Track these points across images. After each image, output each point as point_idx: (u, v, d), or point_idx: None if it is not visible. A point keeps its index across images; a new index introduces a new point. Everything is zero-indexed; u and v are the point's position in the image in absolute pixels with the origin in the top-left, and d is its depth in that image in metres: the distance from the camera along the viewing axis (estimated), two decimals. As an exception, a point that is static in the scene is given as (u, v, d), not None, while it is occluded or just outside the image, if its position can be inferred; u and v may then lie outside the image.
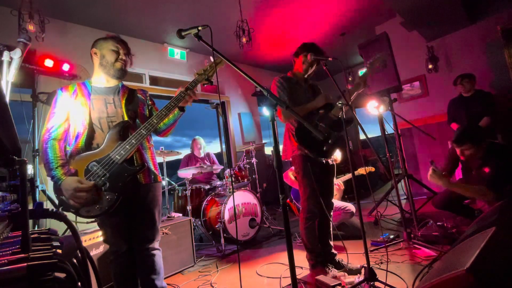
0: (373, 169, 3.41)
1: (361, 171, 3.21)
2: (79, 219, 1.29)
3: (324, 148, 1.77)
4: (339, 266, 1.90)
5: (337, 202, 2.74)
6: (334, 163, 2.09)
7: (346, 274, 1.81)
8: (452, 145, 2.14)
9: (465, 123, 3.28)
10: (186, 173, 3.35)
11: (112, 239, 1.41)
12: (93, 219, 1.30)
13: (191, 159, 3.92)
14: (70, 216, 1.25)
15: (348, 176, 3.20)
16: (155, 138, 1.67)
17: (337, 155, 2.80)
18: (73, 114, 1.37)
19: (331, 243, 2.00)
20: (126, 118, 1.41)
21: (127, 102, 1.47)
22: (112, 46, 1.46)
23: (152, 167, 1.48)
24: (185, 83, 1.49)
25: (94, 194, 1.23)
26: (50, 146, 1.30)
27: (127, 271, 1.43)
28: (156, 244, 1.48)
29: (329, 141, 1.76)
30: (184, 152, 3.97)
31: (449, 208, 2.37)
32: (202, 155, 4.00)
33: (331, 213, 2.02)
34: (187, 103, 1.48)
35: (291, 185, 2.98)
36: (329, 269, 1.84)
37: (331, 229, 2.04)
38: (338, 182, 3.16)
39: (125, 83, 1.59)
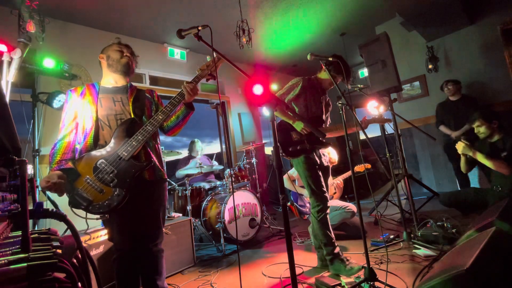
0: (369, 165, 3.41)
1: (358, 168, 3.21)
2: (89, 216, 1.32)
3: (290, 149, 1.89)
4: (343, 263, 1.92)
5: (338, 202, 2.74)
6: (330, 165, 2.15)
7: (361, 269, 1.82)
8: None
9: (452, 125, 3.42)
10: (184, 173, 3.36)
11: (117, 237, 1.41)
12: (103, 216, 1.31)
13: (190, 160, 3.95)
14: (81, 213, 1.28)
15: (348, 173, 3.19)
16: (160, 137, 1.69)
17: (334, 156, 2.80)
18: (81, 112, 1.40)
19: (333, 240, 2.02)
20: (132, 116, 1.44)
21: (135, 100, 1.50)
22: (116, 47, 1.53)
23: (157, 164, 1.49)
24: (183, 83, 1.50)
25: (89, 195, 1.27)
26: (59, 146, 1.35)
27: (130, 270, 1.43)
28: (159, 245, 1.49)
29: (298, 147, 1.90)
30: (184, 152, 4.00)
31: (456, 206, 2.57)
32: (199, 156, 4.05)
33: (327, 210, 2.04)
34: (191, 97, 1.48)
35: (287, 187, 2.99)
36: (346, 259, 1.87)
37: (329, 224, 2.06)
38: (339, 181, 3.16)
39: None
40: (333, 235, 1.94)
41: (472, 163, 2.51)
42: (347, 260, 1.88)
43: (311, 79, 2.09)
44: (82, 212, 1.28)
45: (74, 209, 1.27)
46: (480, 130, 2.41)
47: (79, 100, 1.42)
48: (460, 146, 2.42)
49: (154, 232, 1.46)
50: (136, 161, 1.34)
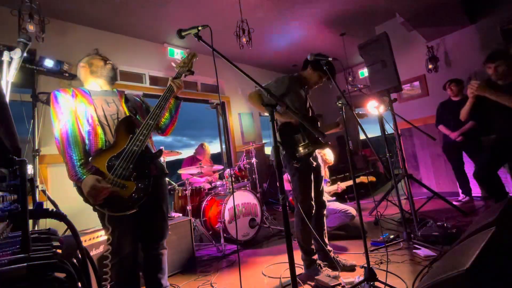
0: (374, 179, 3.39)
1: (362, 179, 3.23)
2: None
3: (297, 154, 1.84)
4: (333, 263, 1.91)
5: (338, 205, 2.74)
6: (324, 164, 2.13)
7: (338, 273, 1.82)
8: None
9: (453, 125, 3.38)
10: (186, 172, 3.36)
11: (120, 239, 1.37)
12: (130, 210, 1.31)
13: (194, 162, 3.95)
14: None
15: (350, 182, 3.20)
16: (155, 138, 1.72)
17: (330, 157, 2.80)
18: (78, 113, 1.38)
19: (326, 240, 2.01)
20: (127, 114, 1.48)
21: (126, 101, 1.56)
22: (98, 57, 1.57)
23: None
24: (184, 83, 1.56)
25: (111, 194, 1.25)
26: (73, 142, 1.30)
27: (131, 274, 1.41)
28: (165, 242, 1.52)
29: (307, 149, 1.86)
30: (185, 152, 4.02)
31: (488, 183, 2.29)
32: (202, 160, 4.06)
33: (324, 212, 2.03)
34: (178, 91, 1.61)
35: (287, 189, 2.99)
36: (320, 267, 1.85)
37: (326, 227, 2.05)
38: (343, 187, 3.16)
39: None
40: (313, 246, 1.91)
41: (476, 109, 2.33)
42: (327, 266, 1.89)
43: (296, 77, 2.02)
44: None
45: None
46: (499, 70, 2.18)
47: (71, 100, 1.39)
48: (474, 86, 2.16)
49: (162, 228, 1.50)
50: (146, 153, 1.39)
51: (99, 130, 1.37)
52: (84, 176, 1.24)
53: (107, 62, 1.57)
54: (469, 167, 3.53)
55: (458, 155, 3.47)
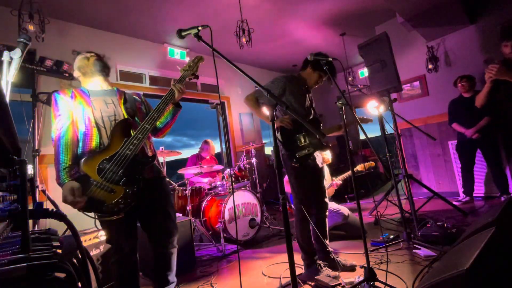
0: (373, 163, 3.39)
1: (359, 167, 3.21)
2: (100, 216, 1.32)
3: (297, 155, 1.84)
4: (333, 263, 1.91)
5: (331, 205, 2.73)
6: (324, 165, 2.13)
7: (338, 273, 1.82)
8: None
9: (466, 122, 3.31)
10: (188, 172, 3.36)
11: (116, 239, 1.40)
12: (117, 214, 1.30)
13: (198, 160, 3.93)
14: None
15: (348, 173, 3.19)
16: (155, 138, 1.72)
17: (327, 156, 2.80)
18: (76, 114, 1.38)
19: (327, 241, 2.01)
20: (125, 116, 1.46)
21: (125, 102, 1.54)
22: (80, 57, 1.55)
23: (155, 162, 1.51)
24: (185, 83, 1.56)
25: (99, 197, 1.24)
26: (64, 145, 1.31)
27: (131, 273, 1.43)
28: (175, 241, 1.53)
29: (307, 150, 1.86)
30: (185, 152, 3.99)
31: None
32: (208, 157, 4.03)
33: (326, 213, 2.03)
34: (180, 96, 1.58)
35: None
36: (321, 267, 1.85)
37: (327, 227, 2.05)
38: (339, 181, 3.16)
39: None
40: (313, 247, 1.91)
41: (493, 94, 2.25)
42: (327, 266, 1.89)
43: (294, 77, 2.01)
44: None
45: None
46: None
47: (70, 101, 1.39)
48: (493, 70, 2.03)
49: (166, 228, 1.49)
50: (140, 158, 1.36)
51: (95, 132, 1.36)
52: (66, 181, 1.24)
53: (89, 56, 1.53)
54: (478, 168, 3.48)
55: (471, 154, 3.38)
